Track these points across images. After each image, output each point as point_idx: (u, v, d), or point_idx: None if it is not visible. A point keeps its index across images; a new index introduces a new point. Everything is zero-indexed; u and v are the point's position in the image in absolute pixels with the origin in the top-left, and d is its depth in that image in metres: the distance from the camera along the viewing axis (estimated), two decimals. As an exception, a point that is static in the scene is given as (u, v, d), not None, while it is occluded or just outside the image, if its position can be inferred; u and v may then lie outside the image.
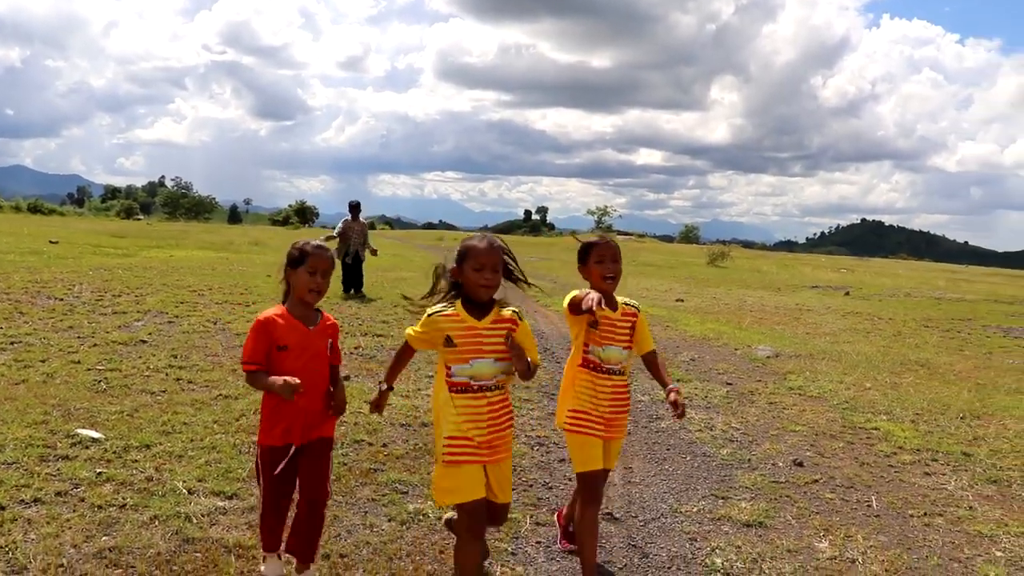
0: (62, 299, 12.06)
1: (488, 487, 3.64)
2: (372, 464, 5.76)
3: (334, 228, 16.09)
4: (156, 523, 4.47)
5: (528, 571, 4.31)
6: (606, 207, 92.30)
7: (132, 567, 3.96)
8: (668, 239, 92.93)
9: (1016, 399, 9.34)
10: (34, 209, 56.17)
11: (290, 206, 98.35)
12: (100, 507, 4.62)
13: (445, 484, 3.62)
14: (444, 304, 3.64)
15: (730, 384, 9.24)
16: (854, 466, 6.41)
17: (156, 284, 14.65)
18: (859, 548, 4.83)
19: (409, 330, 3.74)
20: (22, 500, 4.66)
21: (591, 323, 4.01)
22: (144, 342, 9.32)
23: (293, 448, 3.74)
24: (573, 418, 4.05)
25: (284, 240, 38.78)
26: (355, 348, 9.95)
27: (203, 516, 4.60)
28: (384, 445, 6.20)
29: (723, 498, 5.57)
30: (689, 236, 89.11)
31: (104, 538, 4.25)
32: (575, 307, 3.88)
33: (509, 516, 4.03)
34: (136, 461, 5.39)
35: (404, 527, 4.71)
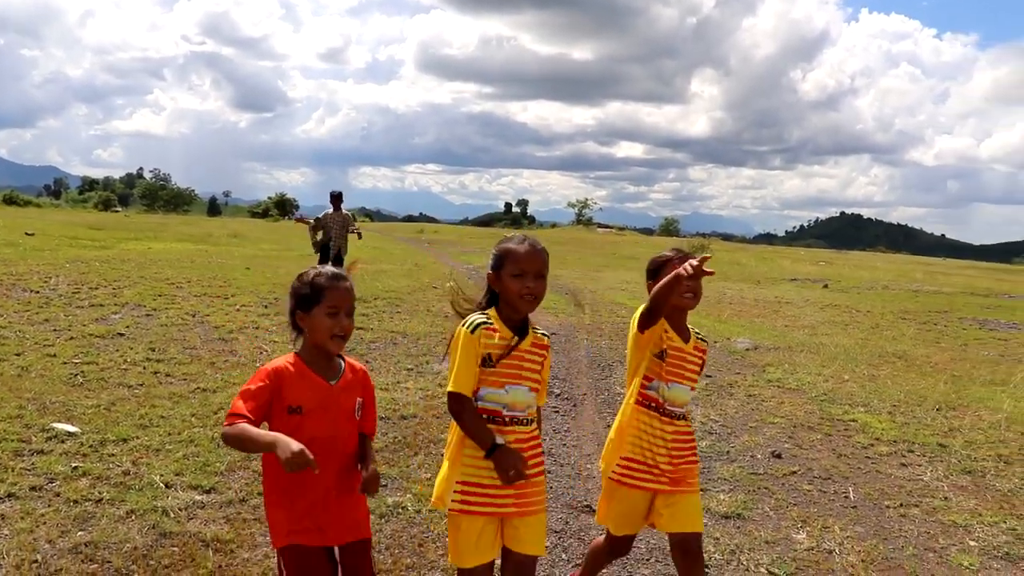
0: (38, 292, 11.94)
1: (515, 539, 3.05)
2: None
3: (312, 219, 15.46)
4: (133, 517, 4.44)
5: None
6: (587, 200, 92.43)
7: (108, 562, 3.94)
8: (648, 232, 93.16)
9: (991, 390, 9.43)
10: (9, 201, 55.57)
11: (270, 198, 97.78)
12: (76, 502, 4.59)
13: (466, 543, 3.00)
14: (480, 315, 3.07)
15: (709, 376, 9.28)
16: (832, 457, 6.46)
17: (134, 277, 14.52)
18: (836, 539, 4.88)
19: (458, 379, 2.95)
20: (-4, 495, 4.62)
21: (658, 352, 3.43)
22: (121, 335, 9.24)
23: (337, 552, 2.91)
24: (625, 468, 3.44)
25: (264, 232, 38.65)
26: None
27: (180, 510, 4.58)
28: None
29: (702, 490, 5.57)
30: (669, 229, 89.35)
31: (80, 533, 4.22)
32: (648, 321, 3.34)
33: None
34: (113, 455, 5.35)
35: (383, 520, 4.70)
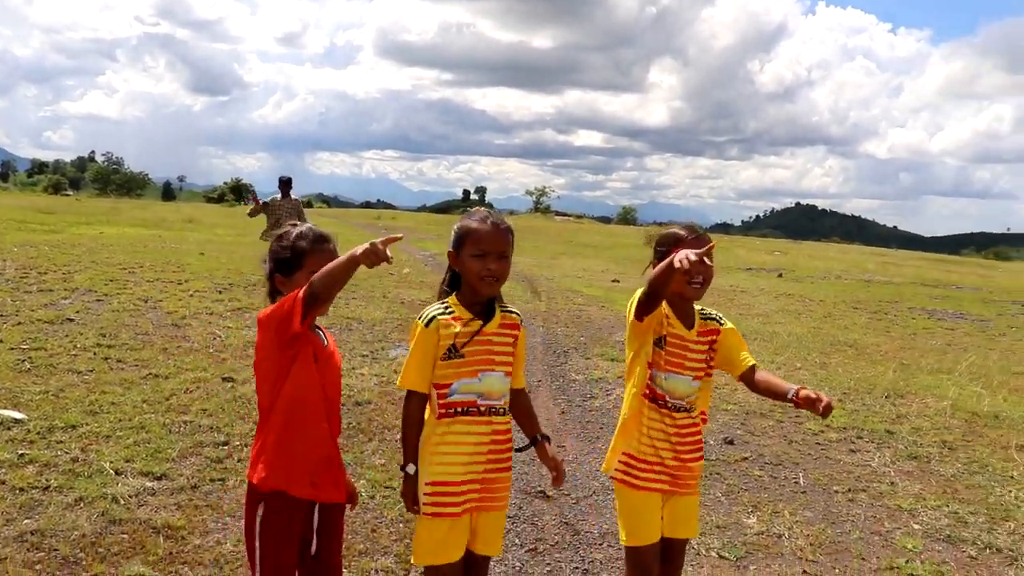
0: (-15, 276, 11.70)
1: (472, 537, 2.92)
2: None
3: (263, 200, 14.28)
4: (81, 505, 4.38)
5: None
6: (545, 188, 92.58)
7: (55, 550, 3.88)
8: (606, 220, 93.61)
9: (937, 378, 9.64)
10: (-45, 183, 54.18)
11: (225, 183, 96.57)
12: (22, 489, 4.51)
13: (432, 541, 2.85)
14: (439, 304, 2.89)
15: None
16: (783, 444, 6.56)
17: (85, 261, 14.27)
18: (786, 523, 4.96)
19: (408, 375, 2.83)
20: (-60, 482, 4.53)
21: (657, 340, 3.14)
22: (71, 320, 9.08)
23: (316, 508, 2.88)
24: (626, 465, 3.17)
25: (219, 217, 38.19)
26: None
27: (131, 497, 4.52)
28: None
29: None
30: (627, 218, 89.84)
31: (26, 521, 4.15)
32: (646, 307, 3.05)
33: None
34: (61, 442, 5.27)
35: (337, 506, 4.67)
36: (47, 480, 4.65)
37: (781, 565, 4.40)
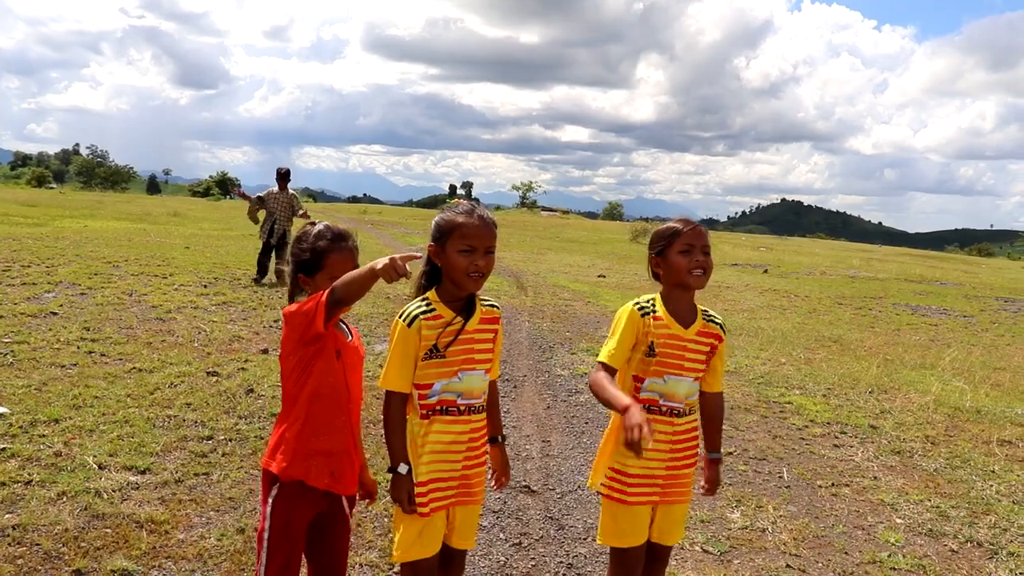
0: (-33, 269, 11.61)
1: (448, 531, 2.93)
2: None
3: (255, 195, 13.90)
4: (64, 499, 4.35)
5: None
6: (531, 183, 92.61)
7: (37, 545, 3.85)
8: (592, 216, 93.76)
9: (920, 374, 9.70)
10: (-63, 175, 53.78)
11: (211, 177, 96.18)
12: (3, 484, 4.47)
13: (411, 538, 2.82)
14: (419, 302, 2.82)
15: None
16: (767, 439, 6.59)
17: (69, 255, 14.20)
18: (769, 518, 4.98)
19: (389, 375, 2.77)
20: (-79, 476, 4.50)
21: (647, 350, 3.03)
22: (55, 314, 9.03)
23: (343, 501, 2.92)
24: (613, 480, 3.08)
25: (204, 211, 38.02)
26: (275, 321, 9.81)
27: (114, 491, 4.49)
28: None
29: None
30: (613, 213, 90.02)
31: (7, 516, 4.12)
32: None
33: None
34: (44, 436, 5.23)
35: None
36: (29, 474, 4.62)
37: (765, 559, 4.42)
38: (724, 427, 6.22)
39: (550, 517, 4.80)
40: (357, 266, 2.76)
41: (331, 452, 2.80)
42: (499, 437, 3.11)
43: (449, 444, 2.82)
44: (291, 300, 2.88)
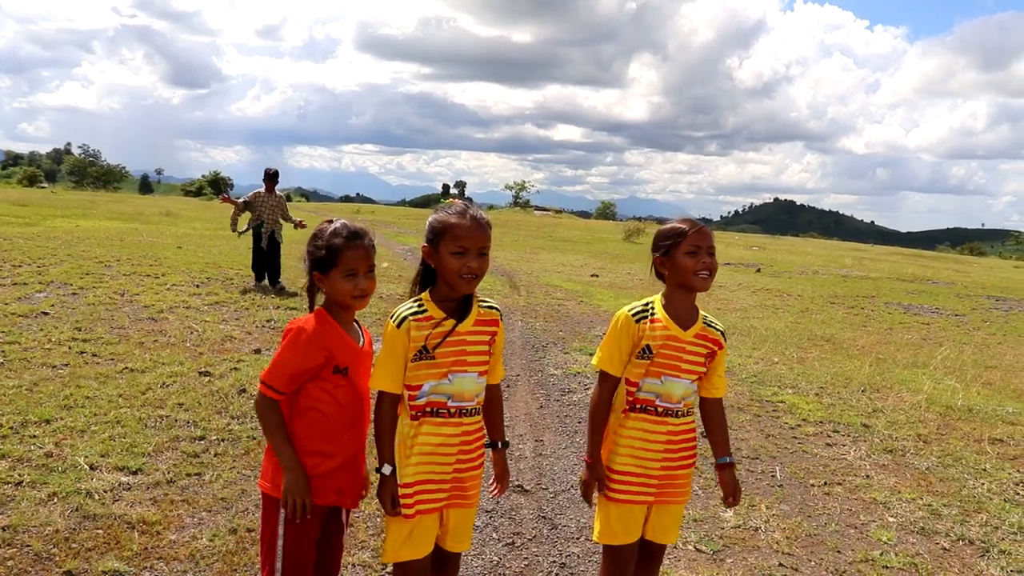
0: (-42, 269, 11.56)
1: (442, 534, 2.92)
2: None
3: (241, 198, 12.99)
4: (55, 500, 4.33)
5: None
6: (524, 182, 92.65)
7: (27, 546, 3.83)
8: (585, 215, 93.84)
9: (913, 372, 9.73)
10: (-73, 175, 53.60)
11: (203, 176, 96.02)
12: (-5, 484, 4.46)
13: (400, 538, 2.83)
14: (411, 303, 2.82)
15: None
16: (760, 438, 6.60)
17: (60, 255, 14.15)
18: (762, 516, 4.98)
19: (377, 375, 2.79)
20: (-89, 477, 4.48)
21: (642, 353, 3.02)
22: (46, 314, 8.99)
23: (342, 512, 2.96)
24: (608, 480, 3.07)
25: (197, 211, 37.92)
26: (268, 321, 9.79)
27: (105, 492, 4.48)
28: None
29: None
30: (606, 212, 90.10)
31: (-2, 516, 4.10)
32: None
33: None
34: (35, 436, 5.21)
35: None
36: (20, 475, 4.60)
37: (758, 558, 4.42)
38: (726, 426, 6.23)
39: (543, 516, 4.80)
40: (373, 265, 2.82)
41: (335, 469, 2.79)
42: (499, 443, 3.09)
43: (438, 446, 2.79)
44: (310, 296, 2.92)
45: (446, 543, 2.94)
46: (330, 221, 2.85)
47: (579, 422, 6.72)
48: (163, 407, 6.02)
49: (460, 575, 3.12)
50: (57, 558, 3.77)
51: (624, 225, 47.13)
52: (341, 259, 2.74)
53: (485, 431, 2.98)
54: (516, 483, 5.26)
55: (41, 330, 8.19)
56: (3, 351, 7.23)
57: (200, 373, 7.05)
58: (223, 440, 5.48)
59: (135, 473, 4.80)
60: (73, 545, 3.89)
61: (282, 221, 12.90)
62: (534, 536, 4.53)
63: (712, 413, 3.19)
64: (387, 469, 2.77)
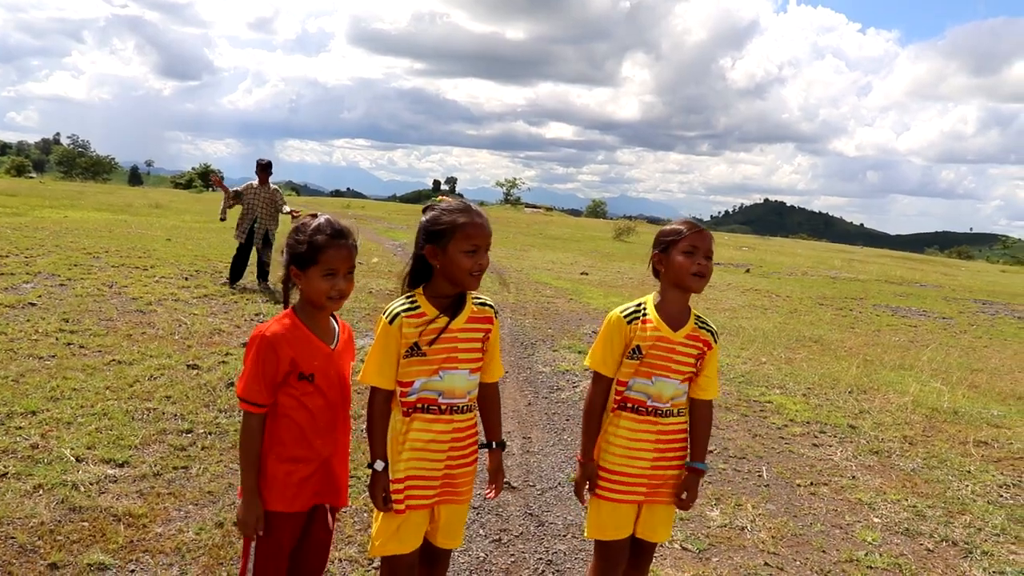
0: (-56, 259, 11.50)
1: (433, 530, 2.93)
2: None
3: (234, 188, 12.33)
4: (40, 492, 4.31)
5: None
6: (515, 179, 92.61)
7: (12, 538, 3.82)
8: (576, 213, 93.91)
9: (899, 374, 9.78)
10: (-85, 163, 53.28)
11: (194, 169, 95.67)
12: (-20, 475, 4.44)
13: (387, 533, 2.83)
14: (404, 299, 2.79)
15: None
16: (747, 438, 6.62)
17: (48, 245, 14.08)
18: (748, 516, 5.00)
19: (368, 371, 2.78)
20: None
21: (631, 353, 3.03)
22: (33, 305, 8.95)
23: (327, 510, 2.91)
24: (600, 478, 3.10)
25: (187, 203, 37.77)
26: (256, 315, 9.77)
27: (91, 484, 4.46)
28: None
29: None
30: (596, 211, 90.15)
31: (-17, 507, 4.09)
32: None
33: None
34: (20, 428, 5.19)
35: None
36: (5, 467, 4.57)
37: (743, 557, 4.44)
38: (710, 430, 6.25)
39: (530, 513, 4.80)
40: (353, 266, 2.73)
41: (310, 474, 2.75)
42: (494, 443, 3.09)
43: (428, 443, 2.79)
44: (285, 291, 2.85)
45: (437, 539, 2.94)
46: (315, 215, 2.76)
47: (567, 419, 6.73)
48: (150, 400, 6.00)
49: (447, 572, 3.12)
50: (42, 550, 3.75)
51: (614, 224, 47.20)
52: (322, 257, 2.65)
53: (478, 429, 2.97)
54: (504, 480, 5.26)
55: (28, 321, 8.15)
56: (-10, 341, 7.19)
57: (188, 366, 7.03)
58: (210, 433, 5.47)
59: (121, 466, 4.78)
60: (58, 537, 3.87)
61: (281, 216, 12.27)
62: (521, 533, 4.54)
63: (698, 415, 3.17)
64: (379, 465, 2.77)
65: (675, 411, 3.09)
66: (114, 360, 7.00)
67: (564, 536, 4.54)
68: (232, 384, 6.57)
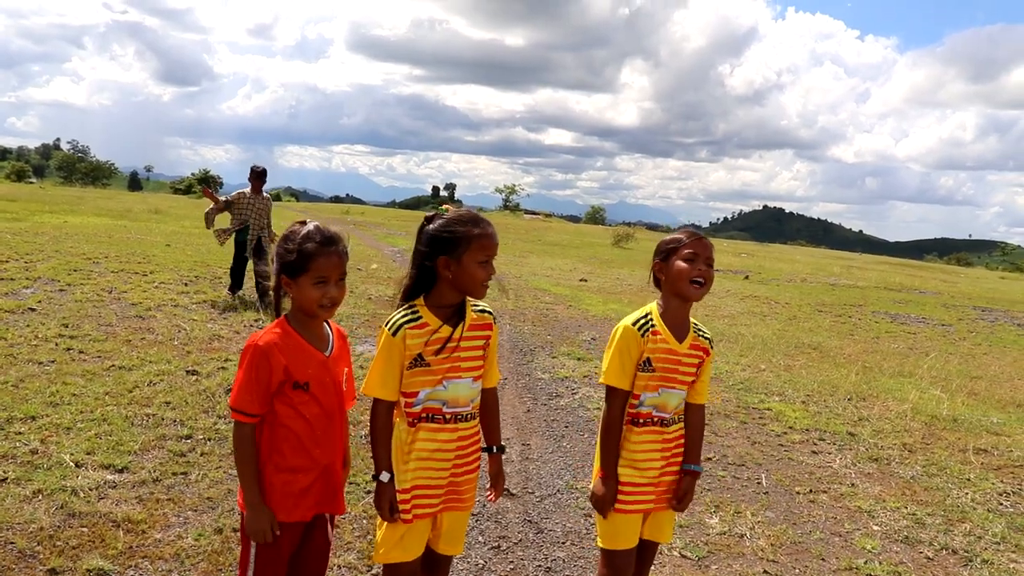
0: (-56, 264, 11.50)
1: (435, 537, 2.93)
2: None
3: (224, 197, 11.50)
4: (40, 497, 4.31)
5: None
6: (514, 186, 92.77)
7: (11, 543, 3.82)
8: (575, 219, 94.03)
9: (899, 381, 9.77)
10: (-86, 168, 53.33)
11: (193, 174, 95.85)
12: (-21, 481, 4.44)
13: (391, 541, 2.83)
14: (406, 310, 2.77)
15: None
16: (746, 445, 6.62)
17: (48, 250, 14.09)
18: (747, 523, 5.00)
19: (372, 383, 2.75)
20: None
21: (642, 365, 3.02)
22: (33, 310, 8.95)
23: (326, 518, 2.88)
24: (621, 495, 3.08)
25: (186, 209, 37.78)
26: (256, 320, 9.77)
27: (91, 490, 4.46)
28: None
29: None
30: (595, 217, 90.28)
31: (-17, 513, 4.08)
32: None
33: None
34: (20, 433, 5.19)
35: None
36: (5, 472, 4.57)
37: (742, 565, 4.44)
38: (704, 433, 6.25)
39: (529, 520, 4.80)
40: (344, 273, 2.69)
41: (310, 484, 2.73)
42: (495, 447, 3.09)
43: (434, 452, 2.79)
44: (276, 300, 2.82)
45: (439, 546, 2.94)
46: (303, 223, 2.72)
47: (566, 426, 6.73)
48: (150, 405, 6.00)
49: (446, 578, 3.12)
50: (41, 556, 3.75)
51: (613, 230, 47.26)
52: (312, 265, 2.61)
53: (481, 435, 2.97)
54: (503, 487, 5.26)
55: (28, 326, 8.15)
56: (-11, 347, 7.19)
57: (187, 372, 7.04)
58: (209, 439, 5.46)
59: (121, 471, 4.78)
60: (57, 543, 3.87)
61: (270, 224, 11.47)
62: (520, 540, 4.53)
63: (693, 420, 3.19)
64: (385, 477, 2.75)
65: (676, 419, 3.13)
66: (113, 366, 7.00)
67: (563, 543, 4.54)
68: (231, 390, 6.56)
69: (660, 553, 4.42)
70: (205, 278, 12.88)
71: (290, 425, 2.67)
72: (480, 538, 4.50)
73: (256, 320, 9.76)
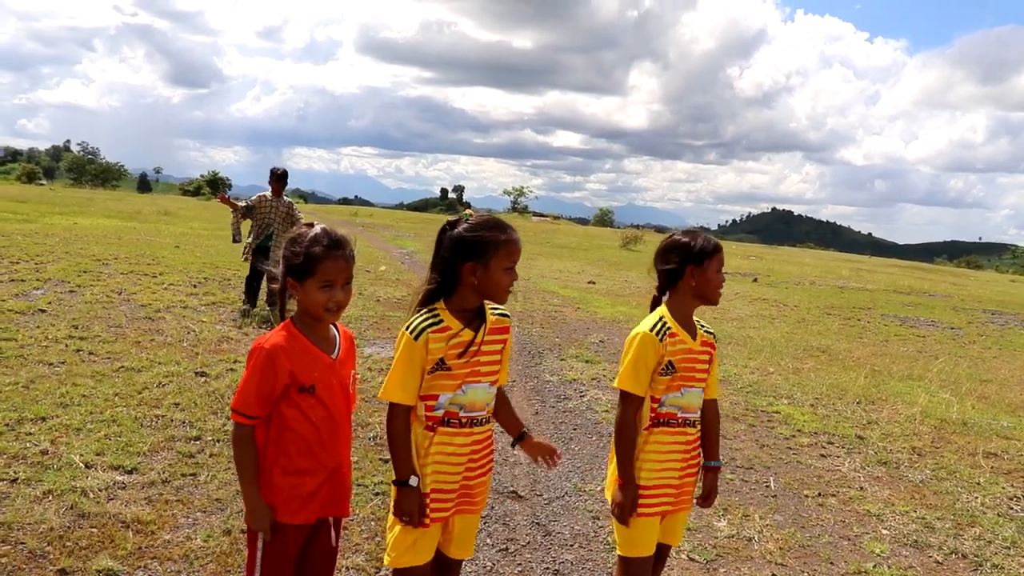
0: (-45, 265, 11.56)
1: (446, 540, 2.92)
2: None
3: (243, 201, 10.65)
4: (50, 498, 4.33)
5: None
6: (523, 188, 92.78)
7: (22, 543, 3.83)
8: (583, 222, 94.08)
9: (908, 385, 9.75)
10: (-74, 170, 53.63)
11: (202, 176, 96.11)
12: (-10, 481, 4.46)
13: (404, 545, 2.81)
14: (426, 314, 2.75)
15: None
16: (755, 448, 6.60)
17: (58, 252, 14.14)
18: (756, 527, 4.99)
19: (391, 387, 2.73)
20: (-94, 473, 4.47)
21: (664, 369, 3.03)
22: (43, 311, 8.99)
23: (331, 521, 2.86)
24: (640, 497, 3.08)
25: (195, 210, 37.91)
26: (265, 323, 9.80)
27: (100, 491, 4.48)
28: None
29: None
30: (604, 219, 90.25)
31: (-7, 513, 4.10)
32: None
33: None
34: (30, 434, 5.21)
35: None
36: (15, 472, 4.60)
37: (751, 568, 4.43)
38: (719, 428, 6.26)
39: (537, 523, 4.80)
40: (351, 277, 2.68)
41: (317, 487, 2.72)
42: (523, 432, 3.10)
43: (449, 456, 2.79)
44: (281, 302, 2.83)
45: (449, 550, 2.94)
46: (311, 225, 2.71)
47: (574, 429, 6.73)
48: (159, 407, 6.02)
49: (454, 580, 3.12)
50: (51, 556, 3.77)
51: (622, 232, 47.24)
52: (319, 269, 2.60)
53: (492, 440, 2.97)
54: (510, 489, 5.26)
55: (38, 327, 8.19)
56: (0, 348, 7.22)
57: (196, 373, 7.06)
58: (218, 441, 5.48)
59: (130, 472, 4.80)
60: (67, 543, 3.89)
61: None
62: (528, 542, 4.53)
63: (709, 415, 3.23)
64: (414, 481, 2.74)
65: (696, 420, 3.16)
66: (123, 367, 7.03)
67: (571, 546, 4.54)
68: (240, 391, 6.58)
69: (668, 557, 4.41)
70: (214, 280, 12.91)
71: (297, 428, 2.66)
72: (488, 540, 4.50)
73: (265, 322, 9.78)
